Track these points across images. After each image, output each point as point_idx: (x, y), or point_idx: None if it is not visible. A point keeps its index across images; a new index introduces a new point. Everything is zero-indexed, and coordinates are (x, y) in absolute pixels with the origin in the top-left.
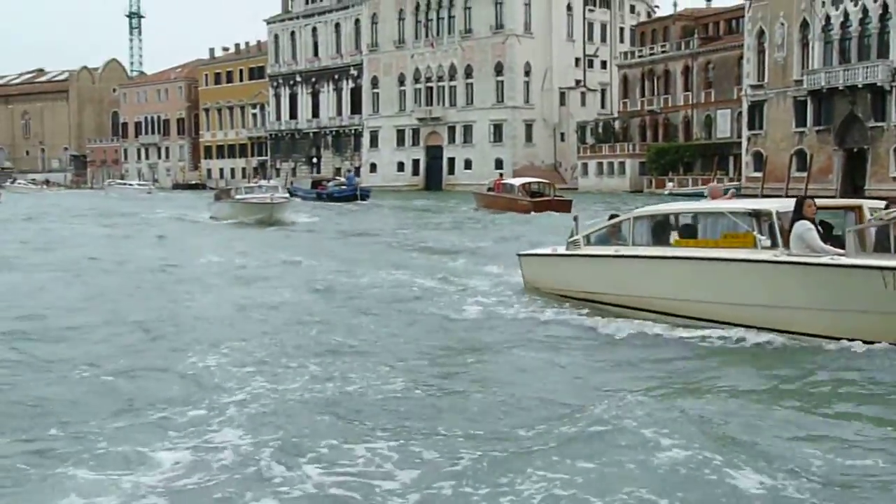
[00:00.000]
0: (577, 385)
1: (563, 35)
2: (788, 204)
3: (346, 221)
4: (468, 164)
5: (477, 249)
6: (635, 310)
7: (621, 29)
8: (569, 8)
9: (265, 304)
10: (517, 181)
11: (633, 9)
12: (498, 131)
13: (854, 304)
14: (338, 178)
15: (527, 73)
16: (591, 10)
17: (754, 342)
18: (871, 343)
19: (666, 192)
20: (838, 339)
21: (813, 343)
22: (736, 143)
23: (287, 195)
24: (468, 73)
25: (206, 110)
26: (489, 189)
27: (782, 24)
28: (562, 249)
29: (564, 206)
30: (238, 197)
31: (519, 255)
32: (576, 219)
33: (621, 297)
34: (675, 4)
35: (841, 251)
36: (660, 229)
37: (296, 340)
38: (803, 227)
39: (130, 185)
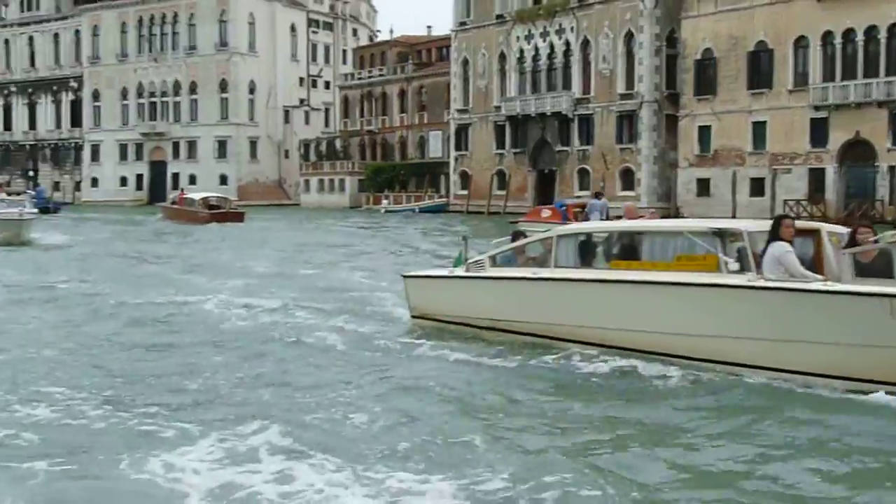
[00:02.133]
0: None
1: (287, 55)
2: (760, 224)
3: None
4: (193, 180)
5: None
6: (557, 340)
7: (344, 51)
8: (293, 29)
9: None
10: (197, 195)
11: (355, 32)
12: (222, 147)
13: (850, 337)
14: (28, 191)
15: (251, 91)
16: (314, 32)
17: (706, 378)
18: (866, 382)
19: (382, 209)
20: (826, 376)
21: (792, 381)
22: (446, 163)
23: (36, 210)
24: (193, 89)
25: None
26: (173, 202)
27: (483, 54)
28: (459, 271)
29: (238, 217)
30: None
31: (405, 276)
32: (465, 238)
33: (542, 325)
34: (391, 31)
35: (820, 277)
36: (588, 249)
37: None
38: (781, 248)
39: None
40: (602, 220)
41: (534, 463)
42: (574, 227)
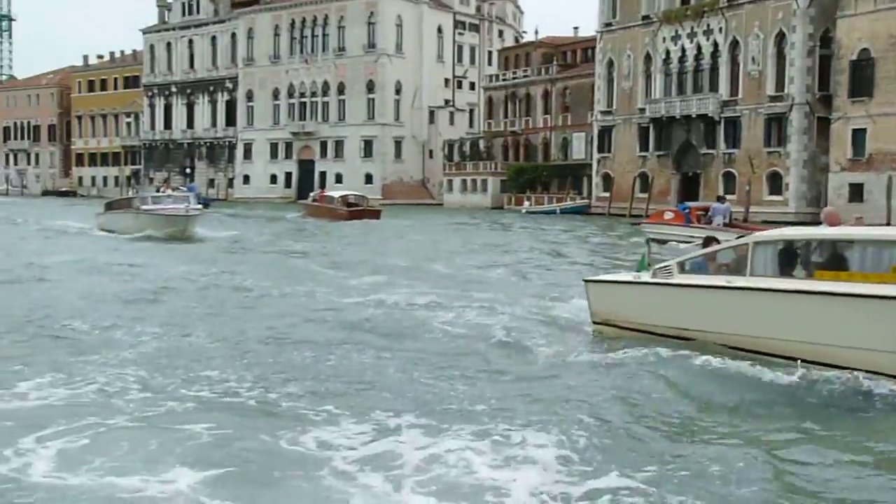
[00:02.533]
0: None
1: (433, 56)
2: None
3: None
4: (339, 178)
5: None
6: (751, 352)
7: (489, 52)
8: (439, 30)
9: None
10: (337, 193)
11: (501, 34)
12: (368, 147)
13: None
14: (181, 187)
15: (398, 92)
16: (460, 34)
17: None
18: None
19: (523, 210)
20: None
21: None
22: (589, 165)
23: (200, 206)
24: (341, 89)
25: (79, 117)
26: (314, 200)
27: (629, 56)
28: (646, 277)
29: (375, 215)
30: (145, 207)
31: (586, 281)
32: (648, 242)
33: (734, 336)
34: (536, 32)
35: None
36: (788, 257)
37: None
38: None
39: None
40: (725, 223)
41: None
42: (773, 233)
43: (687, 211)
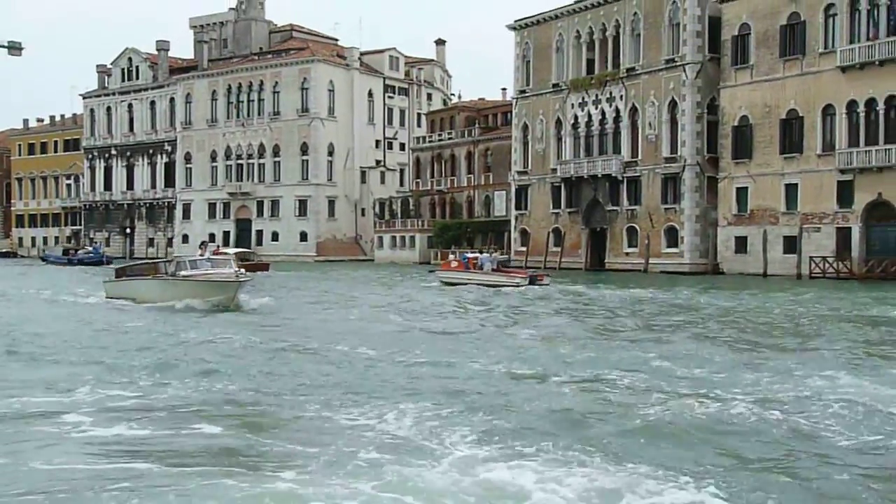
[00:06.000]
0: None
1: (364, 119)
2: None
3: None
4: (275, 237)
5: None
6: None
7: (419, 114)
8: (370, 94)
9: None
10: (231, 250)
11: (429, 97)
12: (303, 206)
13: None
14: (87, 247)
15: (330, 153)
16: (390, 97)
17: None
18: None
19: None
20: None
21: None
22: (509, 221)
23: (243, 270)
24: (276, 151)
25: (19, 179)
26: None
27: (541, 120)
28: None
29: (264, 267)
30: (184, 273)
31: None
32: None
33: None
34: (459, 96)
35: None
36: None
37: None
38: None
39: None
40: (493, 268)
41: None
42: None
43: (466, 260)
